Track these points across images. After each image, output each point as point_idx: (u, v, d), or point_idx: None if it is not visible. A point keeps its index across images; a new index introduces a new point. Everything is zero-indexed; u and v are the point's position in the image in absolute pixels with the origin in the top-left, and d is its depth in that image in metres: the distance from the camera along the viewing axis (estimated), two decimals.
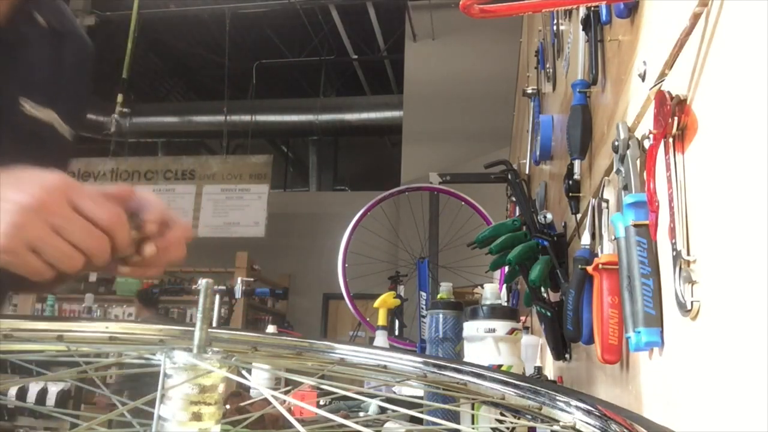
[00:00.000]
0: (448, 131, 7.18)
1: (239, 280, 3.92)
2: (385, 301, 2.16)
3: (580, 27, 1.04)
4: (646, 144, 0.62)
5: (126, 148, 8.51)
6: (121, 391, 3.80)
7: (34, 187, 0.56)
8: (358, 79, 9.35)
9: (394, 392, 1.24)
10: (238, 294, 3.84)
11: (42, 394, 4.91)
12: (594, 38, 0.96)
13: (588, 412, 0.51)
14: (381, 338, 2.10)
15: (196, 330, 0.48)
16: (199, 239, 6.46)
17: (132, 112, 7.28)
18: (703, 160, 0.51)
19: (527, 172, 2.36)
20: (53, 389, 4.93)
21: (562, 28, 1.48)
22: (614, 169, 0.69)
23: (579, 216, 1.08)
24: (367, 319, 2.49)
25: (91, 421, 0.44)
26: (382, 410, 1.13)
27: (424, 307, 2.31)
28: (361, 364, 0.62)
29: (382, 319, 2.14)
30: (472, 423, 0.99)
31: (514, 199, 1.72)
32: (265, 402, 0.81)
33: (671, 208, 0.55)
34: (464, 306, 1.21)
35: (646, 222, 0.61)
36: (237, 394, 0.91)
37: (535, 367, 1.66)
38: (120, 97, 5.81)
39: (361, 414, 1.32)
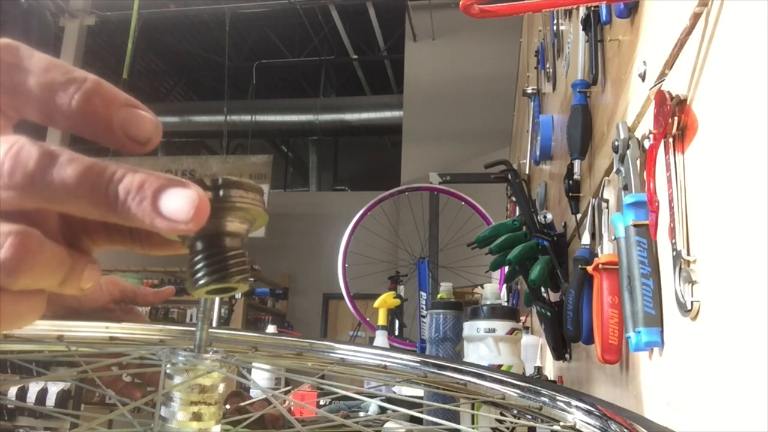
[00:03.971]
0: (448, 131, 7.19)
1: None
2: (385, 301, 2.16)
3: (580, 27, 1.04)
4: (646, 144, 0.62)
5: None
6: None
7: None
8: (358, 79, 9.35)
9: (394, 392, 1.24)
10: (238, 294, 3.84)
11: (42, 394, 4.91)
12: (594, 38, 0.96)
13: (588, 412, 0.51)
14: (381, 338, 2.10)
15: (197, 330, 0.48)
16: None
17: None
18: (703, 160, 0.51)
19: (527, 172, 2.36)
20: (53, 389, 4.93)
21: (562, 28, 1.48)
22: (614, 169, 0.69)
23: (579, 216, 1.08)
24: (367, 319, 2.49)
25: (92, 421, 0.44)
26: (382, 410, 1.13)
27: (424, 307, 2.31)
28: (361, 364, 0.62)
29: (382, 319, 2.14)
30: (472, 423, 0.99)
31: (514, 199, 1.72)
32: (265, 402, 0.81)
33: (671, 208, 0.55)
34: (464, 306, 1.21)
35: (646, 222, 0.61)
36: (237, 394, 0.91)
37: (535, 367, 1.66)
38: None
39: (361, 414, 1.32)
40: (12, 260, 0.26)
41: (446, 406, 0.92)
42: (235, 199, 0.31)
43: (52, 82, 0.28)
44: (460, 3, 0.54)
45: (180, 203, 0.27)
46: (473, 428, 0.94)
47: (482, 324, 1.06)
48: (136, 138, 0.29)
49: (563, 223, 1.31)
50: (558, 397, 0.54)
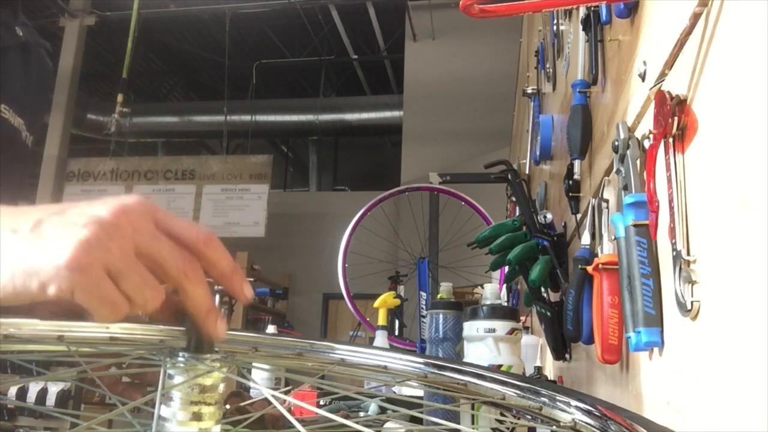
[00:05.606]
0: (448, 131, 7.18)
1: None
2: (385, 301, 2.16)
3: (580, 27, 1.04)
4: (646, 144, 0.62)
5: (126, 148, 8.51)
6: None
7: (112, 203, 0.47)
8: (358, 79, 9.35)
9: (394, 392, 1.24)
10: None
11: (42, 394, 4.91)
12: (594, 38, 0.96)
13: (588, 412, 0.51)
14: (381, 338, 2.10)
15: None
16: None
17: (132, 112, 7.28)
18: (703, 160, 0.51)
19: (527, 172, 2.36)
20: (53, 389, 4.93)
21: (562, 28, 1.48)
22: (614, 169, 0.69)
23: (579, 216, 1.08)
24: (367, 319, 2.49)
25: (91, 421, 0.44)
26: (382, 410, 1.13)
27: (424, 307, 2.30)
28: (361, 364, 0.62)
29: (382, 319, 2.14)
30: (472, 423, 0.99)
31: (514, 199, 1.72)
32: (265, 402, 0.81)
33: (671, 208, 0.55)
34: (464, 306, 1.21)
35: (646, 222, 0.61)
36: (237, 394, 0.91)
37: (535, 367, 1.66)
38: (120, 97, 5.81)
39: (361, 414, 1.32)
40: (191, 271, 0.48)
41: (446, 407, 0.92)
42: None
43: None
44: (460, 3, 0.54)
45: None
46: (473, 428, 0.94)
47: (482, 324, 1.06)
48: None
49: (563, 223, 1.31)
50: (558, 397, 0.54)
